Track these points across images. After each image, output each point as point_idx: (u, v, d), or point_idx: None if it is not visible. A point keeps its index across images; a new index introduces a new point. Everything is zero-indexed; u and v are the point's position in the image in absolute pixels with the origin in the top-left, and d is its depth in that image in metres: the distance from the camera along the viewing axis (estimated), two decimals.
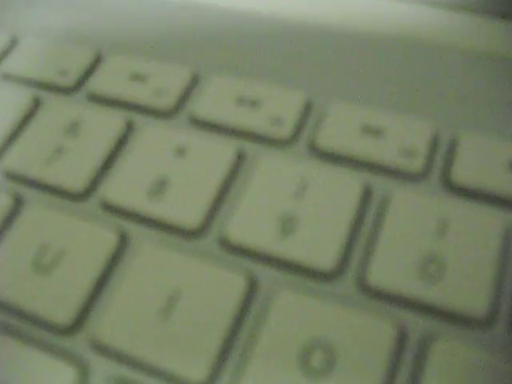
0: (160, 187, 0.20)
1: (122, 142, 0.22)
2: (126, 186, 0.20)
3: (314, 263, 0.18)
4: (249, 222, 0.19)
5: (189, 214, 0.19)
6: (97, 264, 0.19)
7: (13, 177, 0.21)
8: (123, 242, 0.19)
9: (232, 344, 0.17)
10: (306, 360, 0.17)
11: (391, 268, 0.18)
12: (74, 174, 0.21)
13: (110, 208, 0.20)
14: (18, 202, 0.21)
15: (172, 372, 0.17)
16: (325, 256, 0.18)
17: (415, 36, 0.23)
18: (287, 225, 0.19)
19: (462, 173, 0.19)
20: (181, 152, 0.21)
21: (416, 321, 0.17)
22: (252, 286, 0.18)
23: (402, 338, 0.17)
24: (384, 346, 0.17)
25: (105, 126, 0.22)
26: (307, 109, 0.21)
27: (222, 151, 0.20)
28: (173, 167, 0.20)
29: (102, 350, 0.18)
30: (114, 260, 0.19)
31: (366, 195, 0.19)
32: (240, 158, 0.21)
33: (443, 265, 0.18)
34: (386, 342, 0.17)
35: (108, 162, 0.21)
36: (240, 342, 0.17)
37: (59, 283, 0.19)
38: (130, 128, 0.22)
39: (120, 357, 0.17)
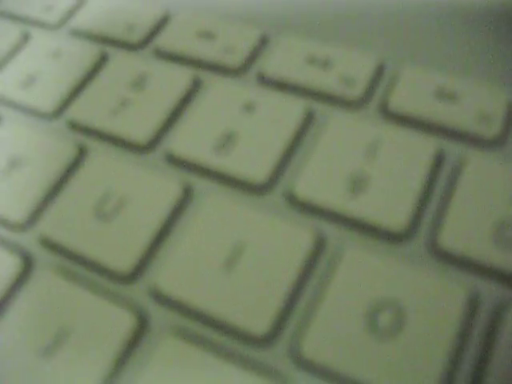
0: (226, 142, 0.20)
1: (188, 97, 0.21)
2: (192, 140, 0.20)
3: (385, 223, 0.17)
4: (317, 179, 0.18)
5: (255, 168, 0.19)
6: (159, 214, 0.19)
7: (77, 127, 0.21)
8: (187, 194, 0.19)
9: (297, 300, 0.17)
10: (373, 320, 0.16)
11: (464, 232, 0.17)
12: (139, 125, 0.21)
13: (175, 160, 0.20)
14: (82, 152, 0.21)
15: (233, 325, 0.16)
16: (396, 217, 0.17)
17: (483, 5, 0.22)
18: (357, 184, 0.18)
19: None
20: (249, 108, 0.20)
21: (488, 287, 0.16)
22: (319, 244, 0.18)
23: (473, 304, 0.16)
24: (455, 311, 0.16)
25: (171, 80, 0.21)
26: (379, 71, 0.21)
27: (291, 109, 0.20)
28: (240, 123, 0.20)
29: (162, 299, 0.17)
30: (177, 211, 0.19)
31: (439, 159, 0.19)
32: (309, 116, 0.20)
33: None
34: (458, 307, 0.16)
35: (174, 116, 0.21)
36: (305, 299, 0.17)
37: (120, 231, 0.18)
38: (196, 84, 0.22)
39: (180, 307, 0.17)
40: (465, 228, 0.17)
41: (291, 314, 0.17)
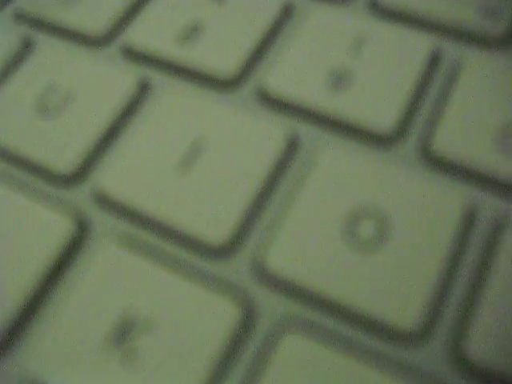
0: (191, 33, 0.17)
1: None
2: (153, 32, 0.17)
3: (370, 123, 0.15)
4: (293, 74, 0.16)
5: (223, 61, 0.16)
6: (110, 110, 0.16)
7: (23, 18, 0.19)
8: (144, 89, 0.16)
9: (263, 206, 0.14)
10: (353, 230, 0.14)
11: (461, 136, 0.15)
12: (93, 17, 0.18)
13: (132, 54, 0.17)
14: (27, 45, 0.18)
15: (187, 233, 0.14)
16: (383, 117, 0.15)
17: None
18: (339, 80, 0.16)
19: None
20: (217, 0, 0.18)
21: (487, 198, 0.14)
22: (292, 144, 0.15)
23: (470, 217, 0.14)
24: (449, 223, 0.14)
25: None
26: None
27: (267, 2, 0.17)
28: (208, 14, 0.17)
29: (107, 203, 0.15)
30: (131, 108, 0.16)
31: (434, 58, 0.16)
32: (288, 8, 0.17)
33: None
34: (453, 219, 0.14)
35: (134, 7, 0.18)
36: (272, 206, 0.14)
37: (64, 128, 0.16)
38: None
39: (126, 212, 0.15)
40: (462, 132, 0.15)
41: (256, 221, 0.14)
